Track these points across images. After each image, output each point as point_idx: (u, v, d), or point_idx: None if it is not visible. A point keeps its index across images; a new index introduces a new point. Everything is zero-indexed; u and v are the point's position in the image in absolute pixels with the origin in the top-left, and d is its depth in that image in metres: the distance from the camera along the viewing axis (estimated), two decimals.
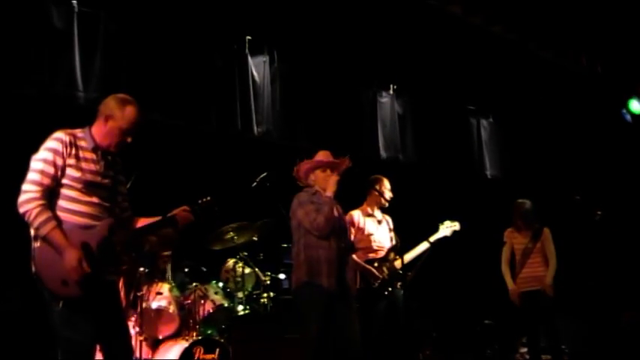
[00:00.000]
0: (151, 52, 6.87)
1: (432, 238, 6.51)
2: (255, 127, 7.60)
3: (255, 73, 7.73)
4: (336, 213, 5.21)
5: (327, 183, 5.16)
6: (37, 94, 6.22)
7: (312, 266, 5.02)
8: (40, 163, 3.78)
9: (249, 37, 7.67)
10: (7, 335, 6.09)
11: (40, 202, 3.72)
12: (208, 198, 4.30)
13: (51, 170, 3.76)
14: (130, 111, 3.97)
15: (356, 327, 5.12)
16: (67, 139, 3.85)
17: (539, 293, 6.93)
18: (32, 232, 3.79)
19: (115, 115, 3.95)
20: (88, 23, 6.49)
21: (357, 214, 6.36)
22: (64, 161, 3.80)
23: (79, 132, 3.97)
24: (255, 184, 6.60)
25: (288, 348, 5.91)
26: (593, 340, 8.43)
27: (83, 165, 3.87)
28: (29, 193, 3.72)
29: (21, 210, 3.73)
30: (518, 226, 7.26)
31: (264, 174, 6.59)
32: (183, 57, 7.10)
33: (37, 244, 3.78)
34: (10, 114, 6.44)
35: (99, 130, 3.98)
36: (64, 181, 3.81)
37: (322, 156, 5.37)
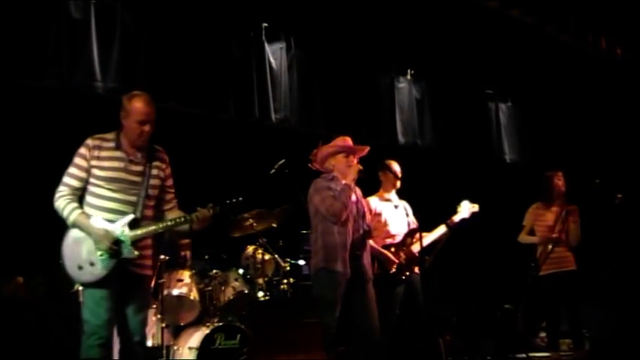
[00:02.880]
0: (167, 41, 6.90)
1: (450, 222, 6.47)
2: (272, 114, 7.61)
3: (272, 60, 7.73)
4: (354, 198, 5.22)
5: (347, 169, 5.17)
6: (56, 85, 6.28)
7: (330, 252, 5.04)
8: (70, 166, 4.26)
9: (266, 24, 7.68)
10: (34, 322, 6.19)
11: (67, 197, 4.21)
12: (240, 199, 4.48)
13: (76, 172, 4.23)
14: (136, 103, 4.30)
15: (374, 313, 5.13)
16: (91, 142, 4.27)
17: (566, 275, 6.85)
18: None
19: (128, 112, 4.30)
20: (106, 14, 6.52)
21: (374, 200, 6.36)
22: (88, 162, 4.22)
23: (109, 135, 4.35)
24: (273, 171, 6.62)
25: (308, 333, 5.93)
26: (615, 326, 8.39)
27: (106, 163, 4.23)
28: (59, 192, 4.23)
29: (55, 206, 4.22)
30: (548, 200, 7.11)
31: (283, 161, 6.62)
32: (200, 45, 7.12)
33: (66, 233, 4.21)
34: (30, 105, 6.52)
35: (124, 131, 4.34)
36: (92, 180, 4.23)
37: (343, 141, 5.37)
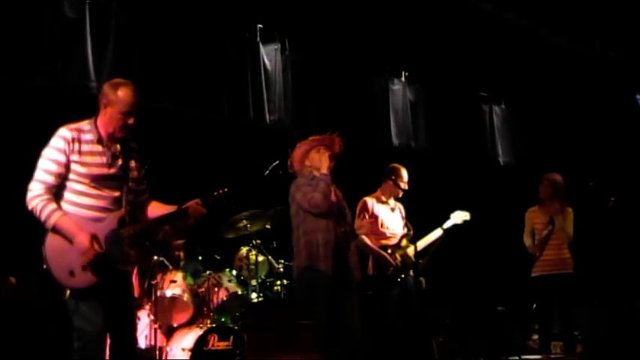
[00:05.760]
0: (162, 42, 6.89)
1: (445, 226, 6.50)
2: (267, 116, 7.62)
3: (266, 62, 7.73)
4: (334, 197, 5.15)
5: (320, 162, 5.11)
6: (50, 85, 6.26)
7: (312, 251, 4.97)
8: (43, 160, 3.86)
9: (261, 26, 7.68)
10: (28, 323, 6.16)
11: (45, 196, 3.80)
12: (225, 190, 4.25)
13: (53, 167, 3.83)
14: (123, 92, 3.96)
15: (357, 314, 5.09)
16: (69, 135, 3.88)
17: (560, 278, 6.85)
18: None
19: (112, 101, 3.95)
20: (100, 13, 6.51)
21: (370, 201, 6.36)
22: (68, 158, 3.84)
23: (85, 124, 4.00)
24: (267, 172, 6.62)
25: (301, 335, 5.92)
26: (607, 328, 8.41)
27: (88, 159, 3.89)
28: (33, 190, 3.82)
29: (29, 207, 3.83)
30: (543, 202, 7.03)
31: (277, 162, 6.61)
32: (195, 46, 7.11)
33: (46, 236, 3.84)
34: (24, 105, 6.49)
35: (102, 120, 4.00)
36: (71, 176, 3.86)
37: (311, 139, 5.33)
